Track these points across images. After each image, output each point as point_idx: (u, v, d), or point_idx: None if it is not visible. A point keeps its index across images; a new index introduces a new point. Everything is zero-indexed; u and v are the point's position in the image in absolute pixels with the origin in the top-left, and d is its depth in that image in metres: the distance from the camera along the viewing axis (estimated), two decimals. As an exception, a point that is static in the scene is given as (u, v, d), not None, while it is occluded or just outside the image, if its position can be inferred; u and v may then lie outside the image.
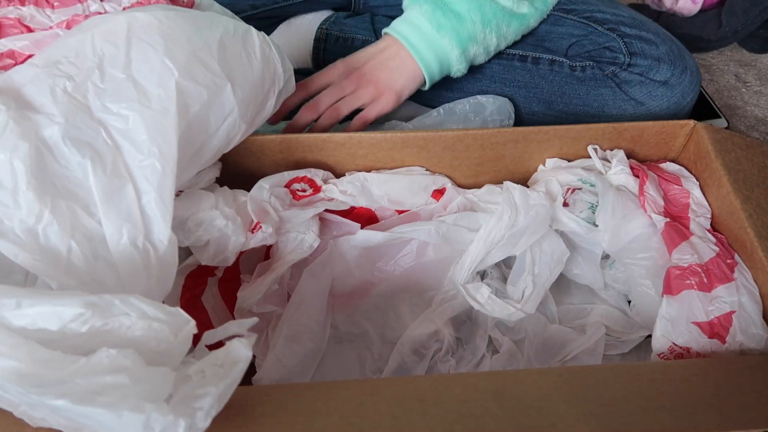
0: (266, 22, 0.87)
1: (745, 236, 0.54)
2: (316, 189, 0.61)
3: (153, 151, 0.46)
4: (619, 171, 0.62)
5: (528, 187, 0.64)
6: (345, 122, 0.72)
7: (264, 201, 0.57)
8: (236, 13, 0.63)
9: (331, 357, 0.61)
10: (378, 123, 0.75)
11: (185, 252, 0.56)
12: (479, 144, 0.63)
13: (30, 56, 0.52)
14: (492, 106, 0.75)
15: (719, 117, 0.95)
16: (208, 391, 0.34)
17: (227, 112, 0.52)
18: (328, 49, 0.86)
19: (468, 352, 0.61)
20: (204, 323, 0.56)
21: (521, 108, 0.79)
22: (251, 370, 0.56)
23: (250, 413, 0.40)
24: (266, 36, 0.57)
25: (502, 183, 0.63)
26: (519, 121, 0.78)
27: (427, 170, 0.66)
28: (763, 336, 0.50)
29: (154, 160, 0.45)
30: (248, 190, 0.58)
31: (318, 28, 0.87)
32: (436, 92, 0.81)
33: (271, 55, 0.56)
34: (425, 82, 0.73)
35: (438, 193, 0.64)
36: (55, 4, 0.54)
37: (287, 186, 0.61)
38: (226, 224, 0.54)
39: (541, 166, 0.67)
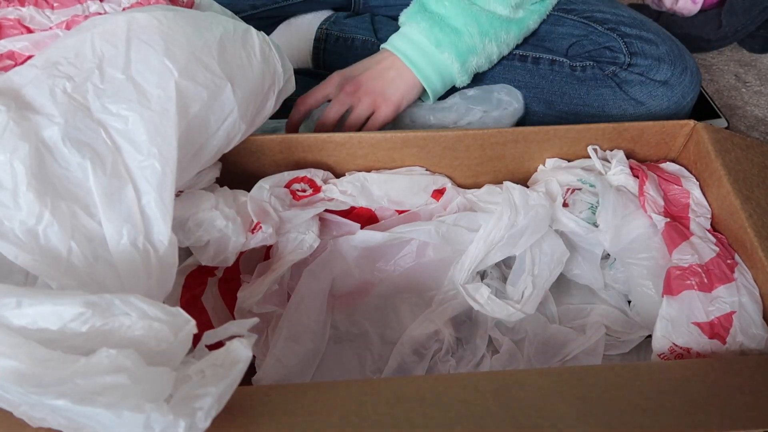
0: (266, 22, 0.87)
1: (745, 236, 0.54)
2: (316, 189, 0.61)
3: (153, 151, 0.46)
4: (618, 171, 0.62)
5: (528, 187, 0.64)
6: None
7: (264, 201, 0.57)
8: (236, 13, 0.63)
9: (331, 357, 0.61)
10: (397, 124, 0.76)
11: (185, 252, 0.56)
12: (479, 144, 0.63)
13: (30, 57, 0.52)
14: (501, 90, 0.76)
15: (719, 117, 0.95)
16: (208, 391, 0.34)
17: (227, 113, 0.52)
18: (328, 49, 0.86)
19: (468, 352, 0.61)
20: (204, 323, 0.56)
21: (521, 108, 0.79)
22: (251, 370, 0.56)
23: (250, 413, 0.40)
24: (266, 36, 0.57)
25: (502, 183, 0.63)
26: (519, 122, 0.78)
27: (427, 170, 0.66)
28: (764, 336, 0.50)
29: (153, 160, 0.45)
30: (248, 190, 0.58)
31: (318, 28, 0.87)
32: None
33: (270, 55, 0.56)
34: (425, 92, 0.73)
35: (438, 193, 0.64)
36: (55, 4, 0.54)
37: (287, 186, 0.61)
38: (226, 225, 0.53)
39: (541, 166, 0.67)
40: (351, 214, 0.63)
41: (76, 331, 0.35)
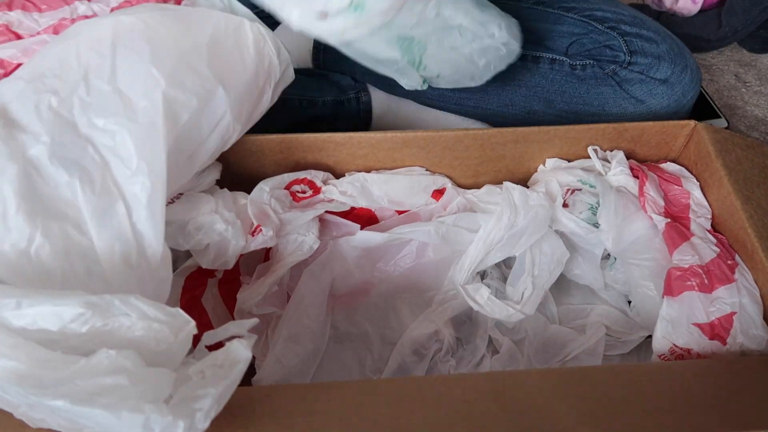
0: (266, 22, 0.87)
1: (746, 237, 0.54)
2: (316, 190, 0.61)
3: (141, 166, 0.45)
4: (618, 172, 0.62)
5: (528, 187, 0.64)
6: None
7: (264, 204, 0.57)
8: (236, 14, 0.63)
9: (331, 357, 0.61)
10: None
11: (185, 254, 0.56)
12: (479, 144, 0.63)
13: (19, 65, 0.51)
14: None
15: (719, 117, 0.95)
16: (208, 392, 0.34)
17: (219, 116, 0.51)
18: (328, 49, 0.86)
19: (468, 353, 0.61)
20: (204, 324, 0.56)
21: (521, 107, 0.79)
22: (251, 370, 0.55)
23: (249, 414, 0.40)
24: (261, 27, 0.55)
25: (502, 183, 0.63)
26: (519, 121, 0.78)
27: (427, 170, 0.66)
28: (764, 337, 0.50)
29: (143, 176, 0.45)
30: (248, 189, 0.58)
31: (318, 28, 0.86)
32: (436, 90, 0.81)
33: (265, 47, 0.55)
34: None
35: (438, 194, 0.64)
36: (42, 7, 0.53)
37: (287, 188, 0.61)
38: (226, 228, 0.53)
39: (541, 167, 0.67)
40: (351, 214, 0.63)
41: (76, 331, 0.34)
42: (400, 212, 0.64)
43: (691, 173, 0.63)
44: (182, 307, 0.54)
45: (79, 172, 0.44)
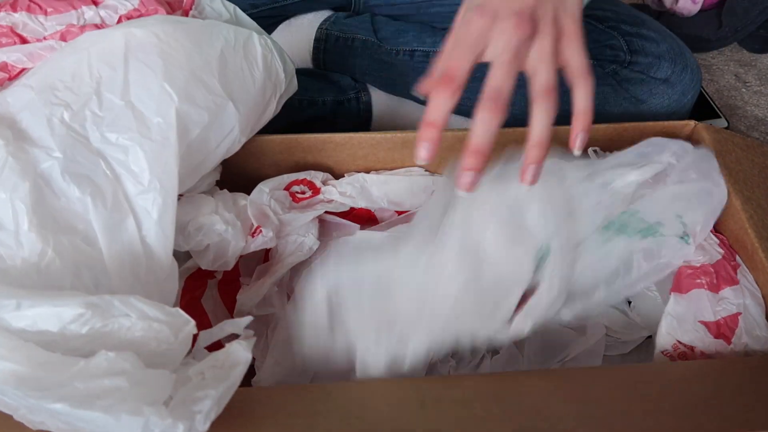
0: (267, 22, 0.87)
1: (746, 237, 0.53)
2: (316, 191, 0.61)
3: (153, 183, 0.45)
4: (618, 172, 0.62)
5: (528, 187, 0.64)
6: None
7: (264, 205, 0.57)
8: (241, 24, 0.63)
9: (331, 358, 0.60)
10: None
11: (185, 254, 0.56)
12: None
13: (24, 70, 0.50)
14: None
15: (719, 117, 0.95)
16: (208, 393, 0.34)
17: (228, 131, 0.51)
18: (328, 49, 0.86)
19: (468, 353, 0.61)
20: (204, 325, 0.56)
21: (522, 107, 0.79)
22: (251, 372, 0.55)
23: (249, 414, 0.40)
24: (268, 39, 0.56)
25: (501, 184, 0.63)
26: (520, 121, 0.78)
27: (426, 171, 0.65)
28: (767, 338, 0.50)
29: (155, 192, 0.45)
30: (248, 190, 0.58)
31: (318, 28, 0.86)
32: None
33: (273, 61, 0.55)
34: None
35: (438, 194, 0.64)
36: (49, 10, 0.52)
37: (287, 189, 0.60)
38: (225, 229, 0.53)
39: (541, 167, 0.66)
40: (350, 215, 0.63)
41: (76, 332, 0.34)
42: (399, 213, 0.64)
43: (691, 173, 0.63)
44: (182, 308, 0.54)
45: (91, 187, 0.44)
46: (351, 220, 0.62)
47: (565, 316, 0.49)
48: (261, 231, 0.55)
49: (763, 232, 0.53)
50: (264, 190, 0.58)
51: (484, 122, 0.44)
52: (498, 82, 0.45)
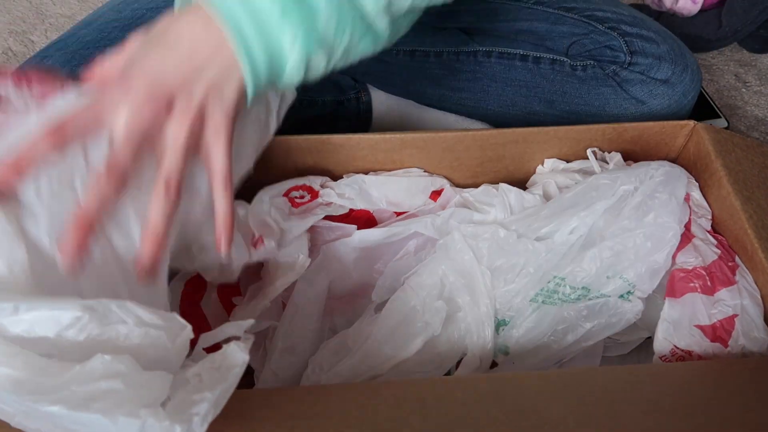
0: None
1: (746, 238, 0.53)
2: (314, 195, 0.61)
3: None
4: (617, 173, 0.62)
5: (527, 188, 0.64)
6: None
7: (264, 214, 0.57)
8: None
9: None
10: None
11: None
12: (479, 145, 0.63)
13: None
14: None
15: (719, 117, 0.95)
16: (205, 396, 0.34)
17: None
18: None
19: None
20: (203, 329, 0.56)
21: (522, 107, 0.79)
22: (251, 382, 0.55)
23: (249, 417, 0.40)
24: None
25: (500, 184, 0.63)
26: (520, 121, 0.78)
27: (425, 172, 0.65)
28: (766, 339, 0.50)
29: None
30: (246, 190, 0.58)
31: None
32: (436, 90, 0.81)
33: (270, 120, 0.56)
34: (245, 94, 0.44)
35: (436, 194, 0.63)
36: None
37: (286, 195, 0.60)
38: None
39: (539, 167, 0.66)
40: (349, 217, 0.62)
41: (73, 339, 0.34)
42: (398, 214, 0.63)
43: (691, 174, 0.63)
44: (181, 312, 0.55)
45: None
46: (350, 222, 0.62)
47: None
48: (263, 241, 0.55)
49: (762, 232, 0.53)
50: (263, 200, 0.58)
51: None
52: (121, 161, 0.40)
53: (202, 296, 0.58)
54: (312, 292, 0.59)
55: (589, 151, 0.64)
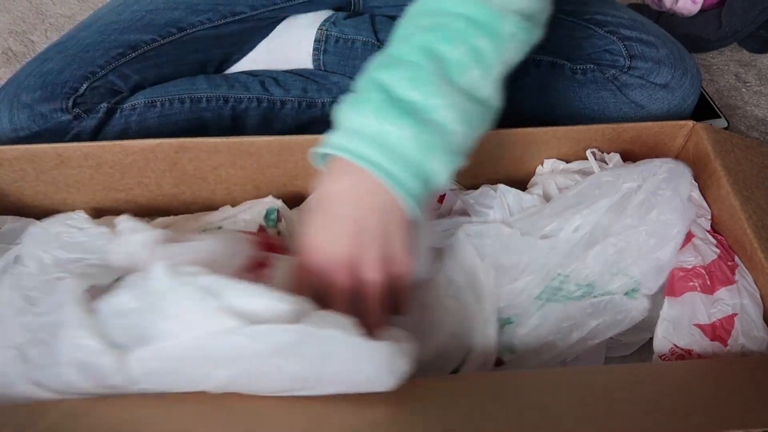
0: (265, 23, 0.87)
1: (745, 237, 0.53)
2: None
3: None
4: (616, 174, 0.62)
5: (526, 189, 0.64)
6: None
7: None
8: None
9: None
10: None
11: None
12: (479, 145, 0.63)
13: None
14: None
15: (719, 117, 0.95)
16: None
17: None
18: (328, 50, 0.86)
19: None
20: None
21: (522, 110, 0.79)
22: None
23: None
24: None
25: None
26: (520, 124, 0.78)
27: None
28: (765, 339, 0.50)
29: None
30: (244, 190, 0.58)
31: (318, 29, 0.86)
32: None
33: None
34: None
35: (440, 199, 0.64)
36: None
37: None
38: None
39: (539, 168, 0.67)
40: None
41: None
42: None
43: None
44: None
45: None
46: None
47: None
48: None
49: (762, 232, 0.53)
50: None
51: None
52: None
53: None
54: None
55: (588, 152, 0.64)
